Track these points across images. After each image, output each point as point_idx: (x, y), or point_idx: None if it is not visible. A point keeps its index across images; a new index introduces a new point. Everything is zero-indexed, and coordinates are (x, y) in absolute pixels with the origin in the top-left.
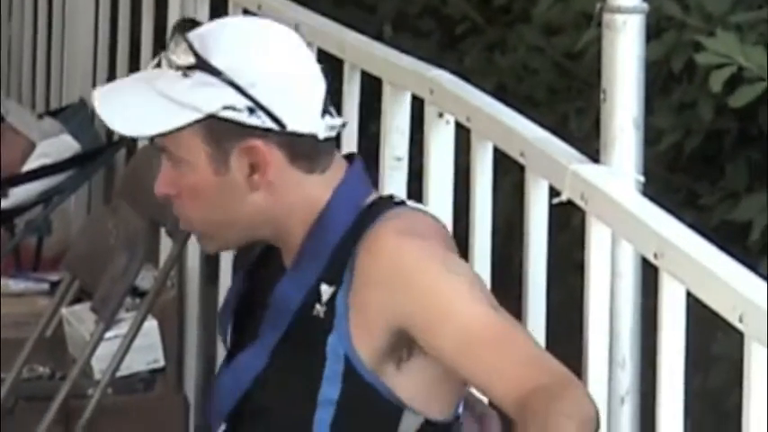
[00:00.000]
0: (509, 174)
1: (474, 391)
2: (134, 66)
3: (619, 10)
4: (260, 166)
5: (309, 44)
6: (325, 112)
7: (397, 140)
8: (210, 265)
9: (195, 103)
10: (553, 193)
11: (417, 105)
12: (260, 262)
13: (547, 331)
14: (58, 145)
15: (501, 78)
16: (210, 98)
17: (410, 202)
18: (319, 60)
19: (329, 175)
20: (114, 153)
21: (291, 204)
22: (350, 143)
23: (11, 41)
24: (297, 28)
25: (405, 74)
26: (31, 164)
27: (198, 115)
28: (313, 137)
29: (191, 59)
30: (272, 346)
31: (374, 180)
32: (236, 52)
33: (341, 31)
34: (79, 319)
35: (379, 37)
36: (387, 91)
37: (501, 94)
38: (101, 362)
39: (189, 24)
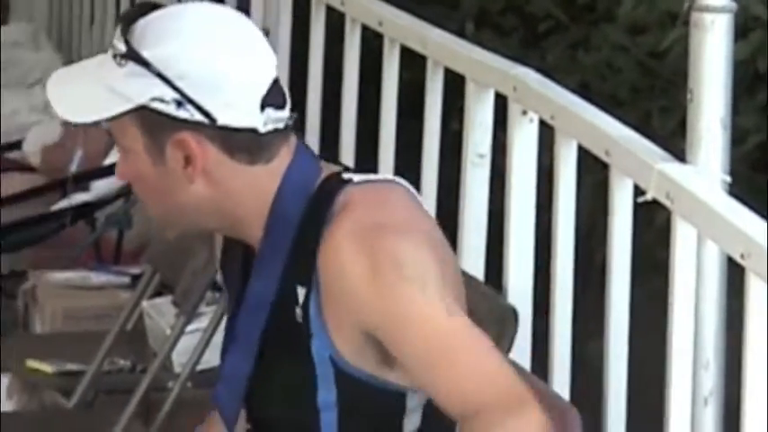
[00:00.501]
0: (591, 172)
1: (554, 386)
2: None
3: (707, 9)
4: (192, 159)
5: (392, 42)
6: (267, 105)
7: (480, 138)
8: None
9: (126, 92)
10: (637, 191)
11: (500, 103)
12: (239, 261)
13: (629, 331)
14: None
15: (584, 77)
16: (140, 89)
17: (356, 176)
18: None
19: (276, 163)
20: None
21: (238, 196)
22: (432, 140)
23: (92, 43)
24: (380, 24)
25: (488, 71)
26: (113, 157)
27: (129, 105)
28: (252, 130)
29: (122, 50)
30: (254, 347)
31: (455, 179)
32: (170, 43)
33: (424, 27)
34: (160, 312)
35: (460, 34)
36: (470, 88)
37: (584, 92)
38: (181, 355)
39: (146, 8)
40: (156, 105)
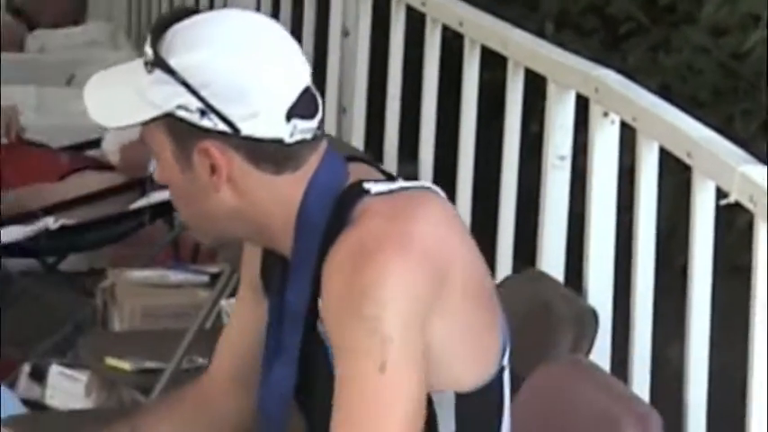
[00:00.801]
0: (672, 173)
1: (634, 389)
2: None
3: None
4: (217, 168)
5: (472, 43)
6: (294, 116)
7: (561, 139)
8: None
9: (154, 99)
10: (719, 194)
11: (579, 104)
12: (279, 269)
13: (710, 334)
14: None
15: (665, 79)
16: (166, 96)
17: (378, 185)
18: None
19: (303, 171)
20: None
21: (264, 205)
22: (512, 141)
23: None
24: (461, 25)
25: (570, 72)
26: None
27: (156, 112)
28: (278, 141)
29: (150, 58)
30: (296, 359)
31: (536, 180)
32: (196, 52)
33: (505, 28)
34: None
35: (540, 34)
36: (551, 89)
37: (664, 94)
38: None
39: (180, 15)
40: (181, 113)
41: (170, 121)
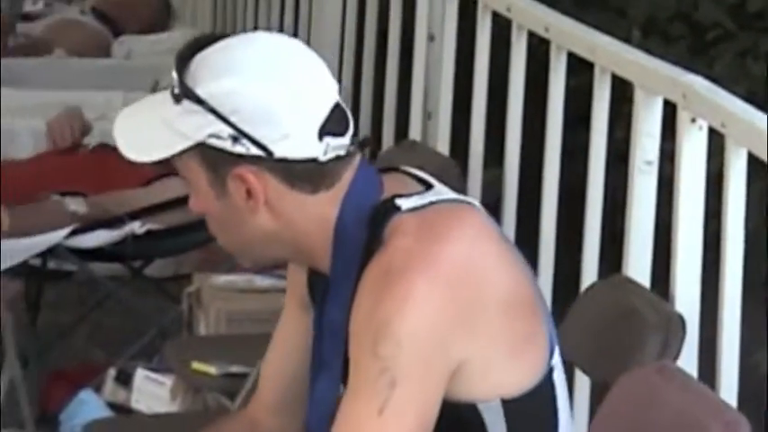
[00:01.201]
0: (757, 180)
1: (722, 395)
2: (380, 61)
3: None
4: (253, 192)
5: (559, 49)
6: (326, 134)
7: (648, 145)
8: None
9: (184, 130)
10: None
11: (667, 110)
12: (323, 284)
13: None
14: None
15: (752, 85)
16: (197, 126)
17: (408, 201)
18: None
19: (337, 187)
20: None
21: (303, 225)
22: (598, 147)
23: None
24: (547, 30)
25: (657, 78)
26: None
27: (188, 143)
28: (312, 160)
29: (177, 89)
30: (339, 374)
31: (617, 183)
32: (223, 79)
33: (592, 34)
34: None
35: (627, 40)
36: (638, 95)
37: (751, 100)
38: None
39: (202, 43)
40: (213, 142)
41: (202, 150)
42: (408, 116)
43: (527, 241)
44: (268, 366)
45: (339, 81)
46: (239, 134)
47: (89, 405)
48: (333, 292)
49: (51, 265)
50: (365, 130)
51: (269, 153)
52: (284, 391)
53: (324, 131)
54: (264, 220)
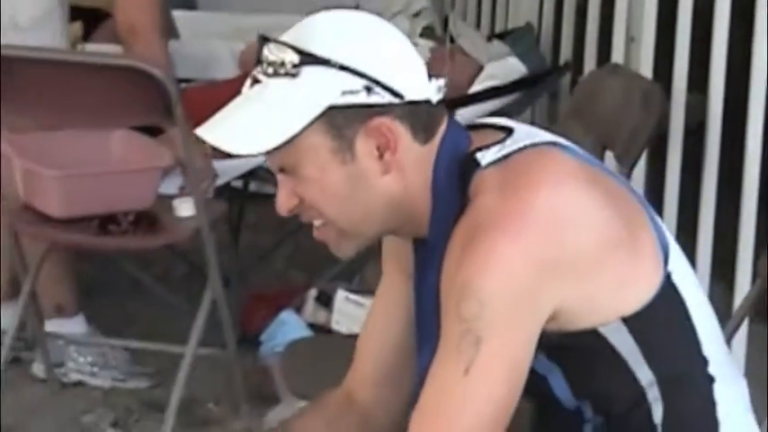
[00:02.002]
0: None
1: None
2: None
3: None
4: (388, 145)
5: None
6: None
7: None
8: (654, 193)
9: (312, 99)
10: None
11: None
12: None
13: None
14: (505, 67)
15: None
16: (326, 89)
17: (490, 153)
18: None
19: (434, 141)
20: (560, 77)
21: (417, 183)
22: None
23: None
24: None
25: None
26: (479, 85)
27: (318, 110)
28: (428, 102)
29: (294, 58)
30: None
31: None
32: (335, 39)
33: None
34: None
35: None
36: None
37: None
38: None
39: (266, 39)
40: (346, 99)
41: (329, 116)
42: (610, 40)
43: (730, 166)
44: (367, 338)
45: (540, 6)
46: (372, 83)
47: (290, 325)
48: (431, 257)
49: (252, 187)
50: (567, 54)
51: (401, 97)
52: (384, 363)
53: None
54: (390, 181)
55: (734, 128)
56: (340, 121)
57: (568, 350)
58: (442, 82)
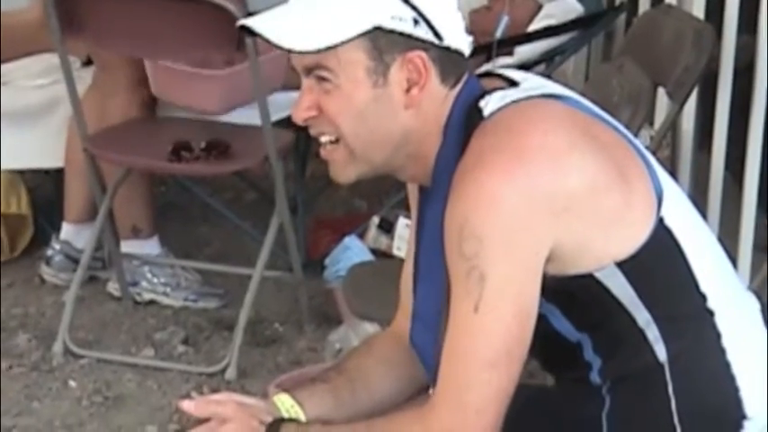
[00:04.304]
0: None
1: None
2: None
3: None
4: (418, 80)
5: None
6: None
7: None
8: (704, 130)
9: (362, 14)
10: None
11: None
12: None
13: None
14: (563, 7)
15: None
16: (378, 9)
17: (493, 100)
18: None
19: (458, 88)
20: (616, 17)
21: (431, 126)
22: None
23: None
24: None
25: None
26: (537, 24)
27: (366, 26)
28: (461, 54)
29: None
30: (439, 280)
31: None
32: None
33: None
34: None
35: None
36: None
37: None
38: None
39: None
40: (394, 24)
41: (376, 35)
42: None
43: None
44: (407, 279)
45: None
46: (420, 17)
47: (353, 250)
48: (431, 200)
49: None
50: None
51: (441, 39)
52: None
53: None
54: (408, 116)
55: None
56: (382, 45)
57: (566, 294)
58: (471, 39)
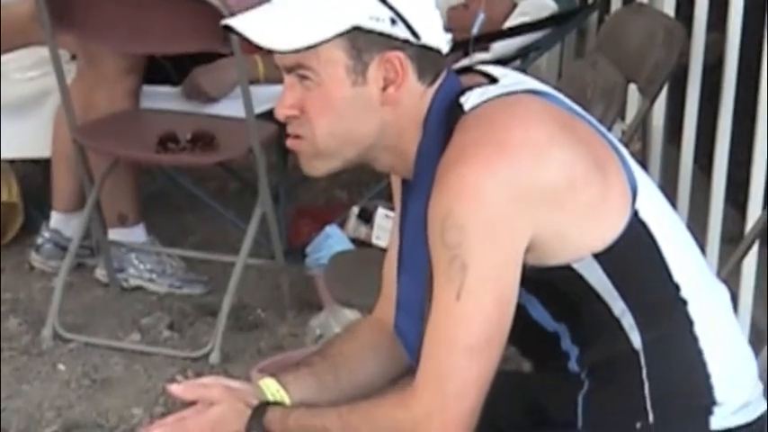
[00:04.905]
0: None
1: None
2: None
3: None
4: (395, 79)
5: None
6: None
7: None
8: (674, 124)
9: (341, 14)
10: None
11: None
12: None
13: None
14: (537, 4)
15: None
16: (356, 9)
17: (474, 96)
18: None
19: (435, 85)
20: (588, 15)
21: (408, 121)
22: None
23: None
24: None
25: None
26: (512, 21)
27: (345, 26)
28: (438, 51)
29: None
30: (423, 270)
31: None
32: None
33: None
34: None
35: None
36: None
37: None
38: None
39: None
40: (372, 24)
41: (354, 35)
42: None
43: (745, 99)
44: (390, 267)
45: None
46: (397, 16)
47: (334, 239)
48: (414, 193)
49: None
50: None
51: (418, 37)
52: None
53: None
54: (387, 111)
55: (749, 64)
56: (361, 44)
57: (545, 284)
58: (450, 35)
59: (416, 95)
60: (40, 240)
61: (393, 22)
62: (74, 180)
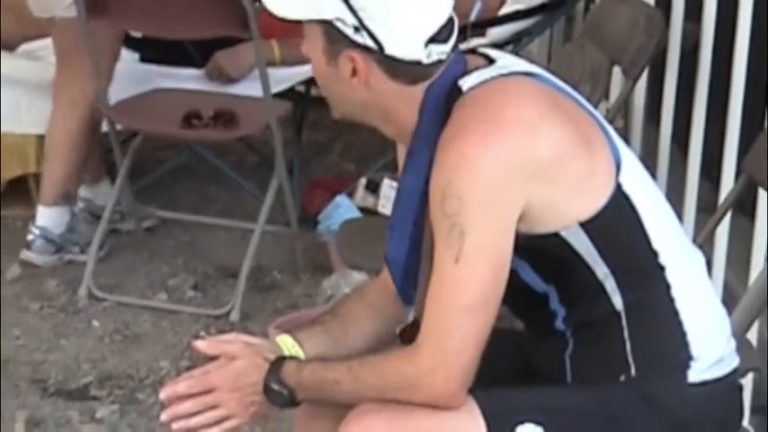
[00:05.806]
0: None
1: None
2: None
3: None
4: (359, 74)
5: None
6: (432, 42)
7: None
8: (654, 104)
9: (317, 6)
10: None
11: None
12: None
13: None
14: None
15: None
16: (328, 7)
17: (472, 78)
18: None
19: (432, 78)
20: (576, 3)
21: (395, 104)
22: None
23: None
24: None
25: None
26: (507, 9)
27: (318, 17)
28: (416, 62)
29: None
30: (408, 236)
31: None
32: None
33: None
34: None
35: None
36: None
37: None
38: None
39: None
40: (339, 24)
41: (327, 26)
42: None
43: (719, 82)
44: None
45: None
46: (361, 26)
47: (343, 208)
48: (411, 162)
49: (313, 92)
50: None
51: (381, 48)
52: None
53: (431, 40)
54: (362, 94)
55: (723, 51)
56: (333, 36)
57: (535, 250)
58: (448, 47)
59: (397, 90)
60: (30, 237)
61: (356, 29)
62: (61, 171)
